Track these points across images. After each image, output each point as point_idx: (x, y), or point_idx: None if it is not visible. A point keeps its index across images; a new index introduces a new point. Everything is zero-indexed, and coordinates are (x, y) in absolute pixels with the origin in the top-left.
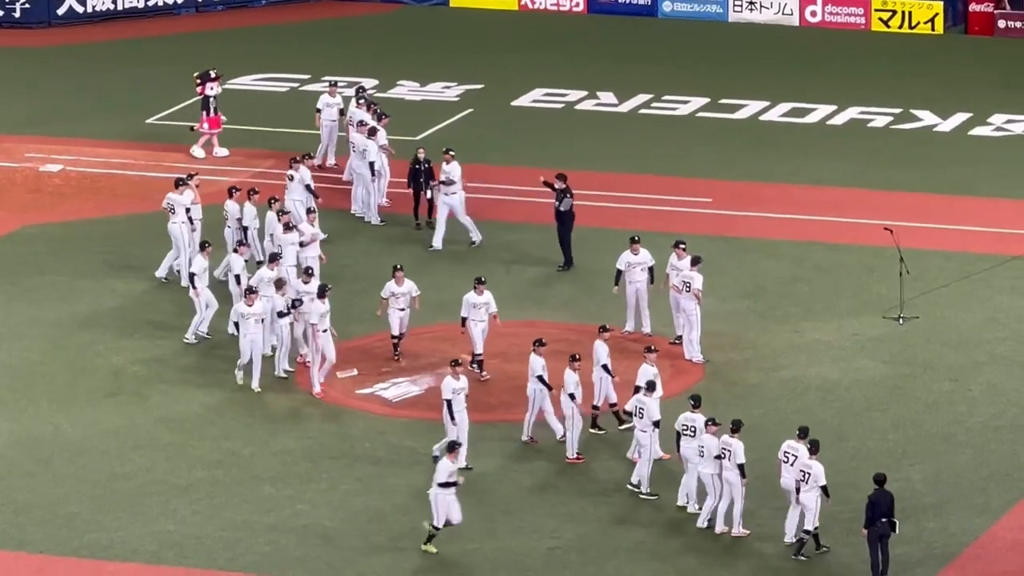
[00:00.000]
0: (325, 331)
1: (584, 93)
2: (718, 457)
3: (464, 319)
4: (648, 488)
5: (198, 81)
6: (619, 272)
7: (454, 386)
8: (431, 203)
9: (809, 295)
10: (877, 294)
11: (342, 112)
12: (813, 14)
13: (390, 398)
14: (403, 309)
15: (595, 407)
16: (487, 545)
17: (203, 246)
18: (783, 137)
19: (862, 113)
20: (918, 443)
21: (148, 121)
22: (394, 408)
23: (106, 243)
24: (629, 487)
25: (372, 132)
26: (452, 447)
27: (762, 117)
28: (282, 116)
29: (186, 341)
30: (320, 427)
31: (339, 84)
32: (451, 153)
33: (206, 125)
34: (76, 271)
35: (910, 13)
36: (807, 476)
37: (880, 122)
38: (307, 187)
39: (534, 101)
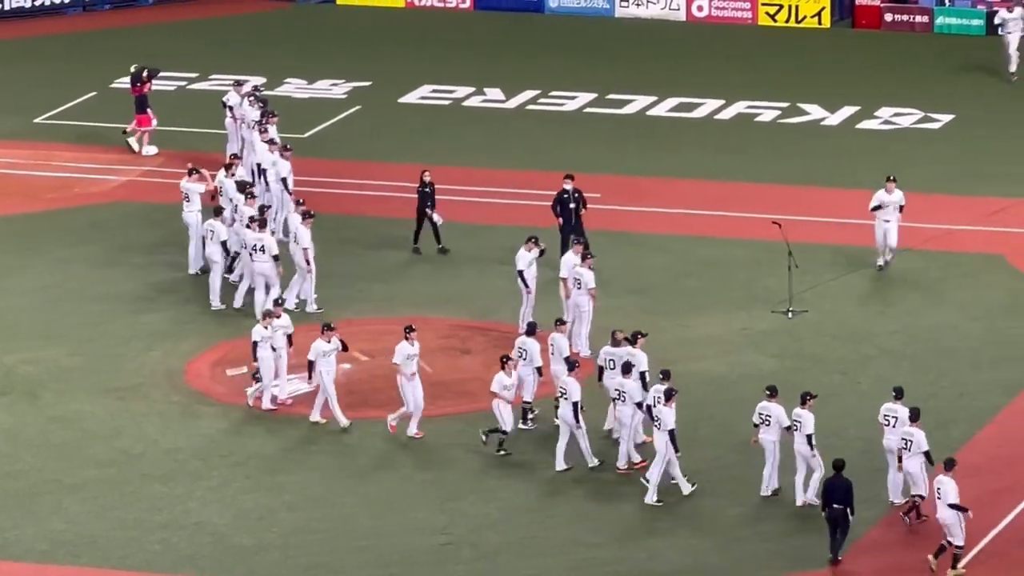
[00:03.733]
0: (413, 374)
1: (471, 89)
2: (788, 428)
3: (312, 363)
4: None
5: (145, 77)
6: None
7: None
8: (435, 227)
9: (697, 290)
10: (766, 288)
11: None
12: (700, 8)
13: (282, 396)
14: (509, 402)
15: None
16: (377, 543)
17: (217, 212)
18: (671, 132)
19: (750, 107)
20: None
21: (36, 120)
22: (285, 406)
23: None
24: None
25: (263, 131)
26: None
27: (650, 112)
28: (170, 115)
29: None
30: (210, 425)
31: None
32: (193, 168)
33: (154, 122)
34: None
35: (797, 7)
36: (909, 444)
37: (768, 116)
38: (283, 180)
39: (422, 98)
